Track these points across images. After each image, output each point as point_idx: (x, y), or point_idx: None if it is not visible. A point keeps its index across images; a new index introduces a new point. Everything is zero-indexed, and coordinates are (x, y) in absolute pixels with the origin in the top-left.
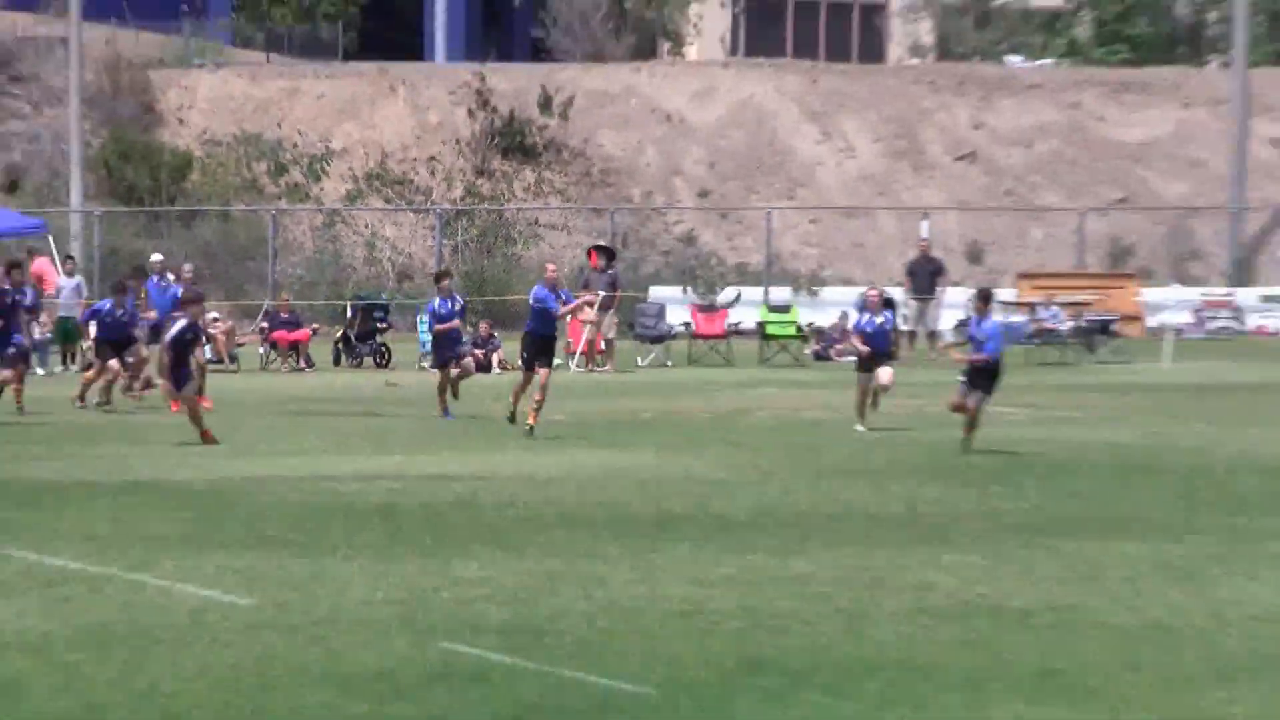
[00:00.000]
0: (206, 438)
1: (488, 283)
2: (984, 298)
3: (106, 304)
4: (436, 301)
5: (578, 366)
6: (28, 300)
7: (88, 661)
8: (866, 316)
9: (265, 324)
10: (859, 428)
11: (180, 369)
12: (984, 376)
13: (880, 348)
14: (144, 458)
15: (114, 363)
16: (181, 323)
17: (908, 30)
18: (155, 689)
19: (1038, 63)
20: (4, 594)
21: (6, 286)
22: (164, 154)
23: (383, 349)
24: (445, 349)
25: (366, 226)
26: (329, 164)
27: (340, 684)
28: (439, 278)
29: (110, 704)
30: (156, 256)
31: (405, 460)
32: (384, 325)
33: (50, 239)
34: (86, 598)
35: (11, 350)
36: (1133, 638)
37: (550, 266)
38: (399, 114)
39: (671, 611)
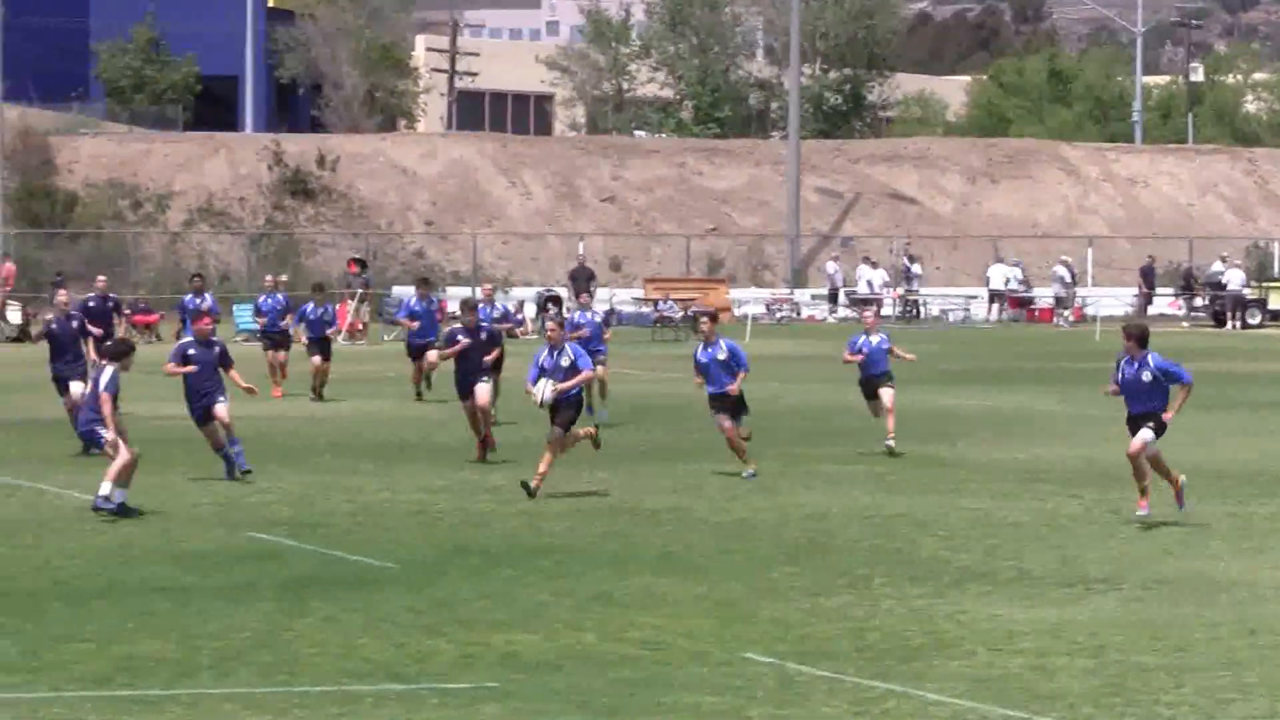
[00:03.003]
0: None
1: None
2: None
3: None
4: (577, 314)
5: (344, 340)
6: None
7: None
8: (864, 338)
9: (129, 310)
10: None
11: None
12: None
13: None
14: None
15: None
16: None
17: (568, 113)
18: (49, 564)
19: (656, 135)
20: None
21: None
22: (58, 194)
23: None
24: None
25: (198, 244)
26: (170, 202)
27: (177, 561)
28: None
29: (18, 575)
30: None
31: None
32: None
33: None
34: (2, 500)
35: None
36: (726, 531)
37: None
38: (220, 168)
39: (407, 510)
